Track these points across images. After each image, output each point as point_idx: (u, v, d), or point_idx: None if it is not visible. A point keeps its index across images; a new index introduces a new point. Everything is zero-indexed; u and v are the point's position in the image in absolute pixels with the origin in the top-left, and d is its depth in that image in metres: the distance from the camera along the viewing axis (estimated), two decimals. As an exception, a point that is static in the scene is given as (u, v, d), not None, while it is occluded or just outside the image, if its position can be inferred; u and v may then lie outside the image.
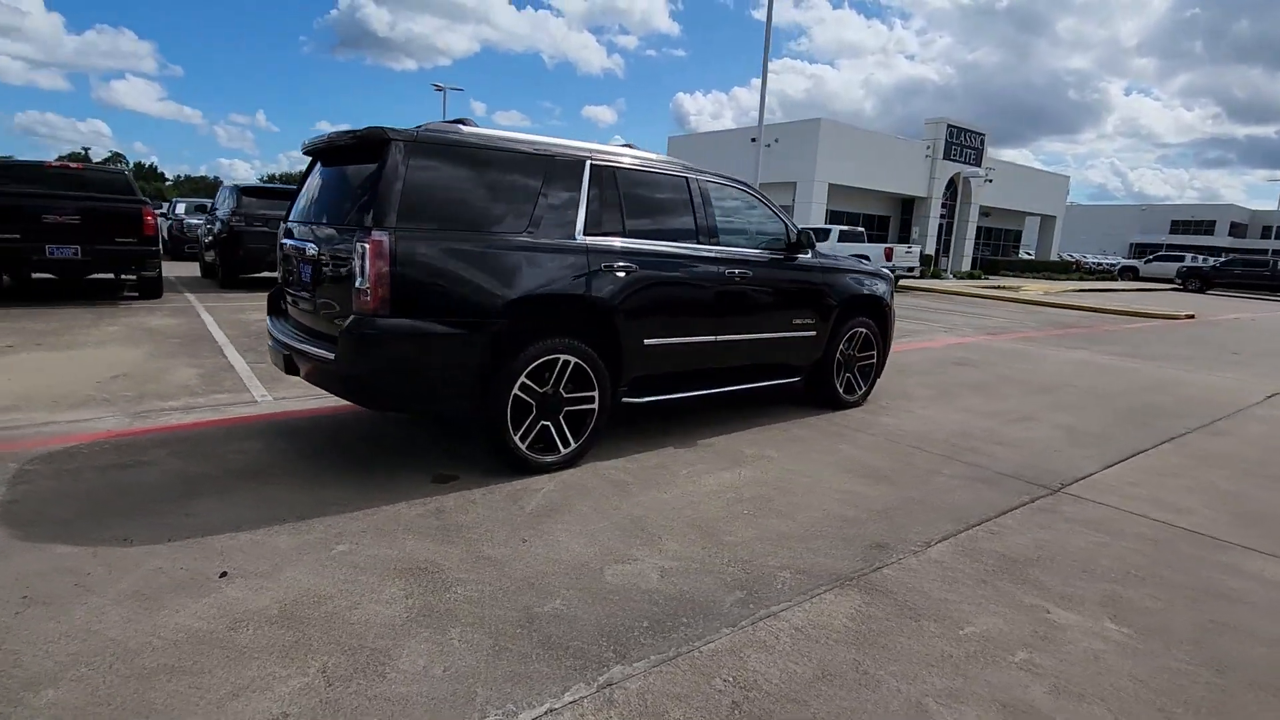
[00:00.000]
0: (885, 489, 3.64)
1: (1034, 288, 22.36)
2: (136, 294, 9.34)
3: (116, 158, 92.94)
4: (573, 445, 3.68)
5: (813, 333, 4.87)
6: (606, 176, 3.80)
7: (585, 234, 3.64)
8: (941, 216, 31.62)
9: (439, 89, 32.94)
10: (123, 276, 8.98)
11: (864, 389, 5.42)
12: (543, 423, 3.58)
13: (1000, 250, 39.03)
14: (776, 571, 2.68)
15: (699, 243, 4.18)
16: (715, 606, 2.40)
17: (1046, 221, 40.49)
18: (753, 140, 28.50)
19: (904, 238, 31.52)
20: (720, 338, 4.28)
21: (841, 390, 5.23)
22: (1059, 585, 2.68)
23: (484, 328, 3.28)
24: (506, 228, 3.39)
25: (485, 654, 2.07)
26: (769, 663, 2.09)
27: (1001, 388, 6.44)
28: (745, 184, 4.67)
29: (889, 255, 18.32)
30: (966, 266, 32.93)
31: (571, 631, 2.21)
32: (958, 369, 7.34)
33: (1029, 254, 40.65)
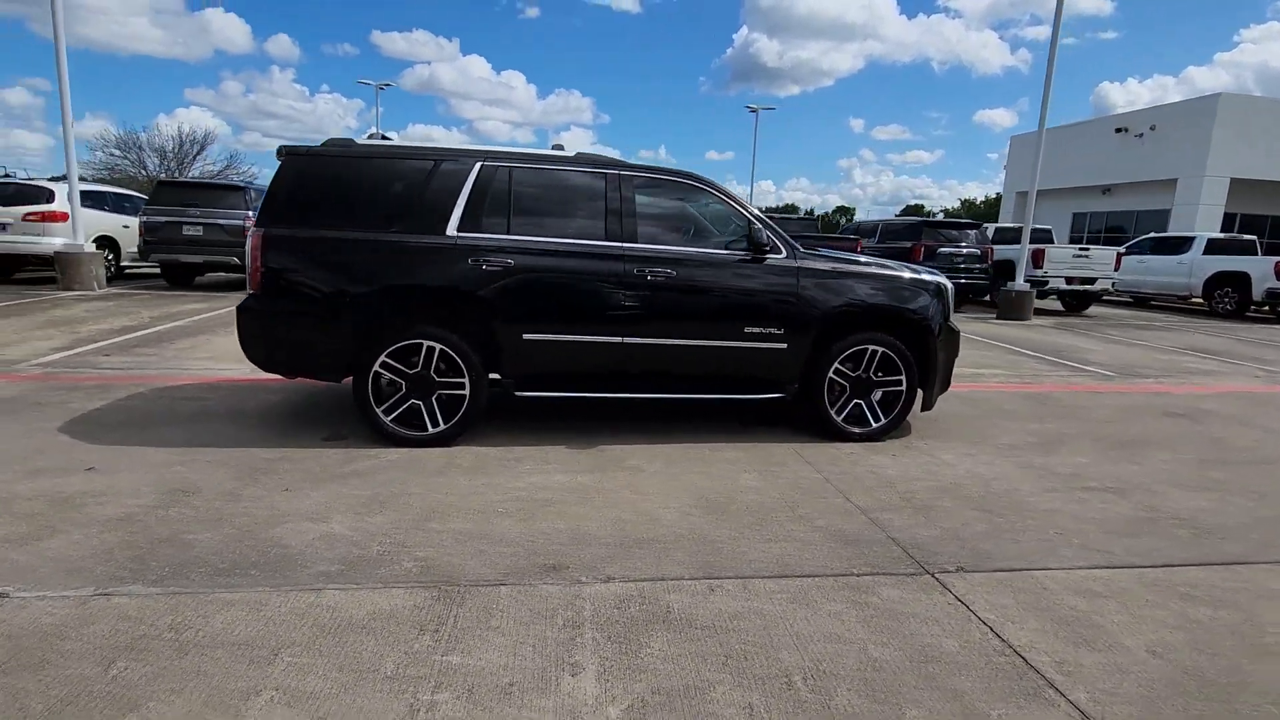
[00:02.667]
0: (697, 521, 3.10)
1: None
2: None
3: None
4: (442, 426, 3.95)
5: (780, 345, 4.20)
6: (498, 176, 3.98)
7: (460, 230, 3.89)
8: None
9: (752, 110, 34.16)
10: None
11: (883, 421, 4.40)
12: (413, 401, 3.94)
13: None
14: (405, 561, 2.64)
15: (609, 240, 4.03)
16: (295, 571, 2.53)
17: None
18: (1117, 130, 23.33)
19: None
20: (630, 340, 4.05)
21: (839, 418, 4.36)
22: (652, 657, 2.09)
23: (343, 310, 3.80)
24: (377, 225, 3.84)
25: (92, 551, 2.60)
26: (232, 622, 2.20)
27: (1164, 450, 4.50)
28: (698, 180, 4.27)
29: (1281, 272, 13.11)
30: None
31: (178, 556, 2.60)
32: (1153, 420, 5.27)
33: None
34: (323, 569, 2.56)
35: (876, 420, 4.41)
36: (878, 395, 4.45)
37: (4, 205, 10.95)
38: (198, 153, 35.58)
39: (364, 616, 2.27)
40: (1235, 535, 3.19)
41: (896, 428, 4.49)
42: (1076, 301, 14.22)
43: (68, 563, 2.52)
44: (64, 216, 10.81)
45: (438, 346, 3.87)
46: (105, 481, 3.28)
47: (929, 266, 12.74)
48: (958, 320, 4.80)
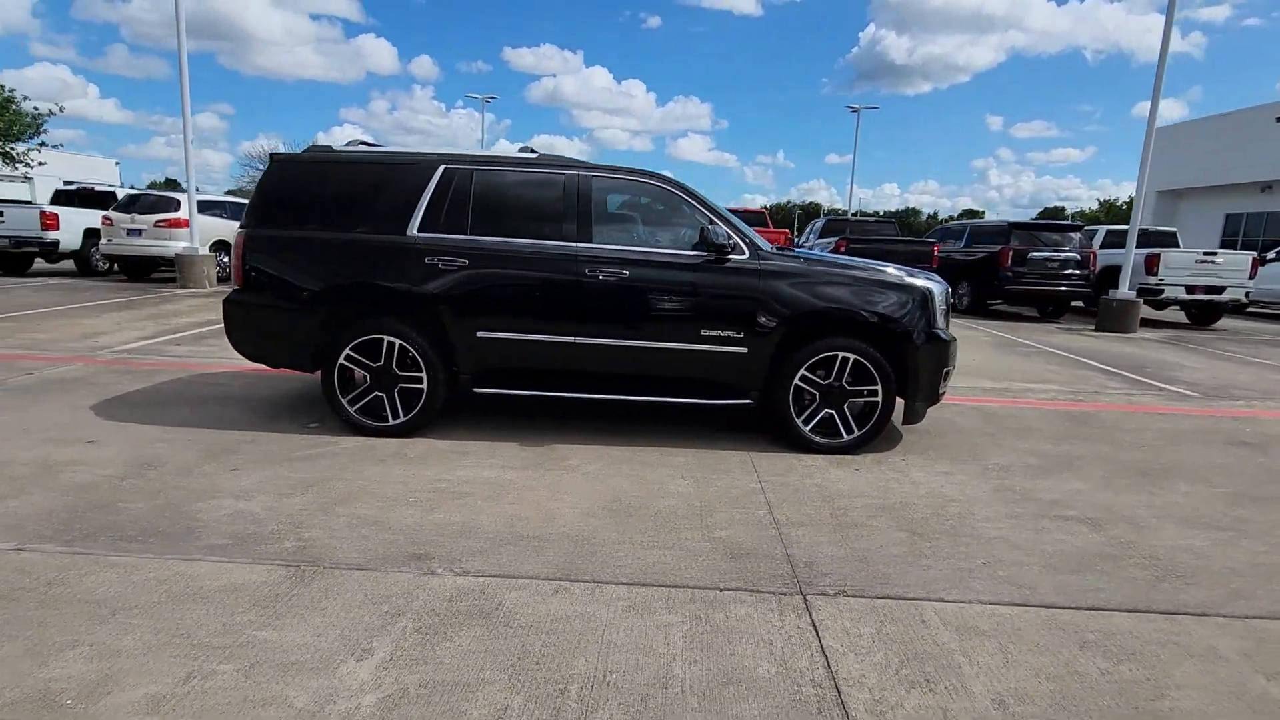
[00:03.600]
0: (594, 523, 3.06)
1: None
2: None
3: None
4: (403, 418, 4.13)
5: (740, 349, 4.04)
6: (460, 178, 4.10)
7: (420, 230, 4.05)
8: None
9: (853, 110, 32.98)
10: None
11: (856, 433, 4.13)
12: (376, 393, 4.15)
13: None
14: (288, 540, 2.79)
15: (563, 240, 4.05)
16: (187, 543, 2.74)
17: None
18: (1278, 119, 20.44)
19: None
20: (582, 340, 4.05)
21: (806, 428, 4.13)
22: (448, 651, 2.10)
23: (311, 305, 4.07)
24: (347, 225, 4.08)
25: (39, 511, 2.94)
26: (100, 583, 2.42)
27: (1194, 481, 3.91)
28: (661, 180, 4.19)
29: None
30: None
31: (101, 520, 2.89)
32: (1203, 447, 4.60)
33: None
34: (212, 542, 2.76)
35: (849, 432, 4.14)
36: (858, 406, 4.18)
37: (141, 214, 12.55)
38: (329, 165, 39.05)
39: (214, 588, 2.43)
40: (1209, 581, 2.73)
41: (871, 441, 4.19)
42: (1201, 313, 12.58)
43: (13, 519, 2.87)
44: (185, 223, 12.22)
45: (397, 342, 4.05)
46: (92, 453, 3.70)
47: (1015, 270, 11.81)
48: (998, 328, 4.41)
